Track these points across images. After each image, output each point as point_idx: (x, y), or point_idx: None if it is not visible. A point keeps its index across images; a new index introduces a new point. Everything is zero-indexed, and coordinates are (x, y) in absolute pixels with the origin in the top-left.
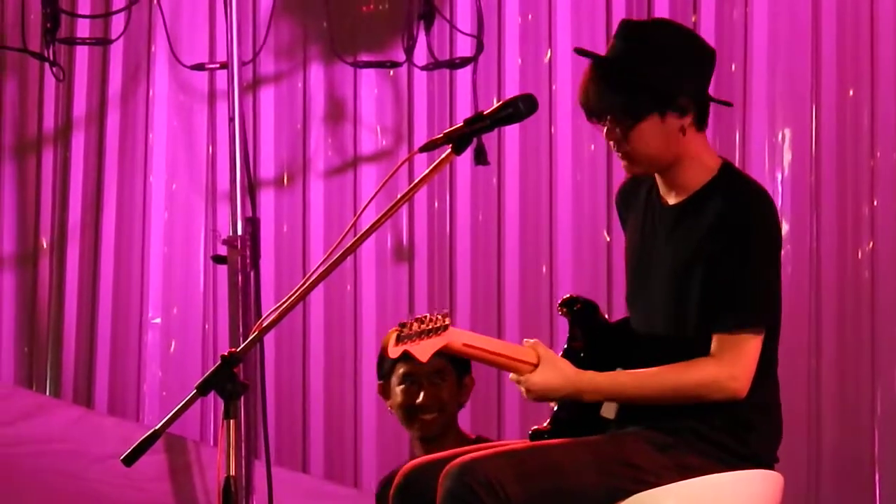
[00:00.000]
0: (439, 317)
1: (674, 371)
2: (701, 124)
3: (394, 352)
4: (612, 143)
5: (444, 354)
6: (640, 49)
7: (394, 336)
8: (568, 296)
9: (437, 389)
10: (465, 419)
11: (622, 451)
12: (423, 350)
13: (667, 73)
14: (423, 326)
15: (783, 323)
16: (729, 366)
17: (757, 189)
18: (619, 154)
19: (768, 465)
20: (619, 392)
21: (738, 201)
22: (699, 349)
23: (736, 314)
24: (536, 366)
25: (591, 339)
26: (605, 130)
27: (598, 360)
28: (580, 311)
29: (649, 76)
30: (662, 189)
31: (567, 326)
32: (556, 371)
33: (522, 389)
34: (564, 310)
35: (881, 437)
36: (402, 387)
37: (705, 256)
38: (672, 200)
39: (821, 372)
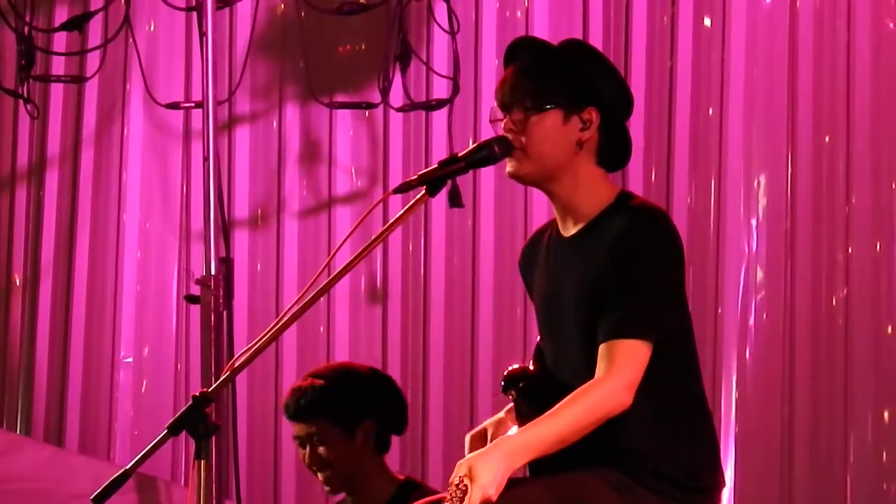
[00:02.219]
0: (453, 487)
1: (573, 400)
2: (601, 158)
3: None
4: (508, 136)
5: (321, 413)
6: (575, 52)
7: None
8: (508, 377)
9: (315, 450)
10: (436, 462)
11: (580, 491)
12: None
13: (588, 79)
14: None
15: (755, 370)
16: (616, 375)
17: (652, 210)
18: (510, 154)
19: (717, 491)
20: (541, 437)
21: (631, 222)
22: None
23: (620, 322)
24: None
25: (540, 406)
26: (503, 124)
27: None
28: (526, 386)
29: (570, 73)
30: (560, 223)
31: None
32: (483, 454)
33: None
34: (513, 393)
35: (853, 486)
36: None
37: (604, 279)
38: (570, 231)
39: (794, 419)
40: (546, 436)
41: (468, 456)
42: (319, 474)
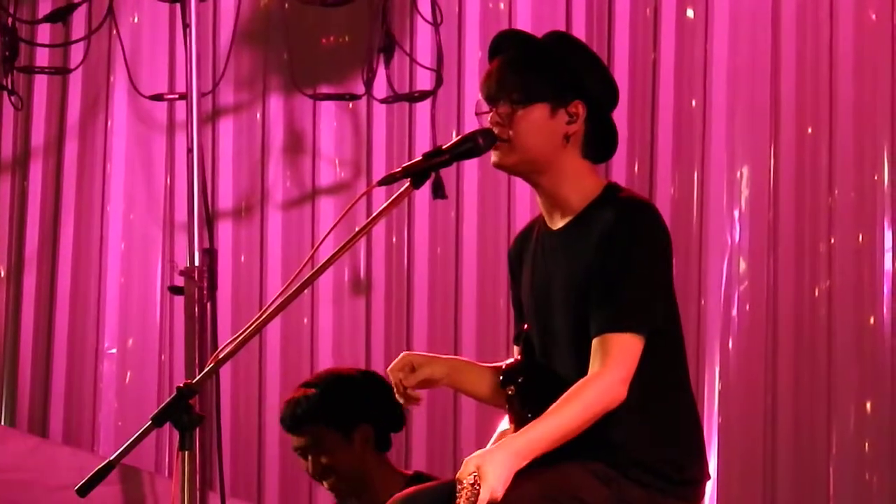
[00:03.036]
0: (467, 485)
1: (573, 397)
2: (587, 150)
3: None
4: (495, 129)
5: (316, 422)
6: (561, 45)
7: None
8: (507, 372)
9: (316, 459)
10: (420, 457)
11: (568, 484)
12: None
13: (574, 72)
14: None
15: (738, 361)
16: (612, 369)
17: (641, 203)
18: (496, 147)
19: (702, 484)
20: (545, 436)
21: (621, 215)
22: None
23: (613, 315)
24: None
25: (536, 401)
26: (489, 117)
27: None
28: (524, 381)
29: (556, 66)
30: (545, 215)
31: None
32: (491, 453)
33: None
34: (512, 388)
35: (836, 476)
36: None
37: (594, 271)
38: (558, 224)
39: (777, 410)
40: (549, 434)
41: (476, 454)
42: (325, 483)
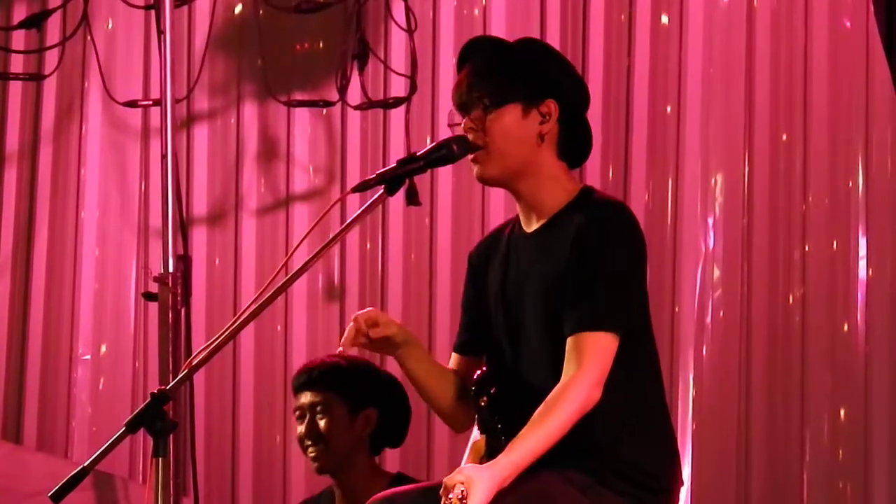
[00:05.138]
0: (454, 499)
1: (552, 408)
2: (563, 152)
3: None
4: (469, 135)
5: (331, 386)
6: (528, 48)
7: None
8: (479, 382)
9: (315, 422)
10: (392, 459)
11: (545, 493)
12: None
13: (543, 71)
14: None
15: (712, 368)
16: (586, 371)
17: (615, 204)
18: (472, 156)
19: (676, 491)
20: (528, 454)
21: (595, 216)
22: None
23: (587, 315)
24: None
25: (507, 414)
26: (463, 125)
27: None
28: (497, 392)
29: (525, 67)
30: (522, 219)
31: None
32: (480, 472)
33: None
34: (484, 399)
35: (809, 484)
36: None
37: (568, 272)
38: (533, 227)
39: (750, 417)
40: (534, 450)
41: (468, 468)
42: (311, 449)
